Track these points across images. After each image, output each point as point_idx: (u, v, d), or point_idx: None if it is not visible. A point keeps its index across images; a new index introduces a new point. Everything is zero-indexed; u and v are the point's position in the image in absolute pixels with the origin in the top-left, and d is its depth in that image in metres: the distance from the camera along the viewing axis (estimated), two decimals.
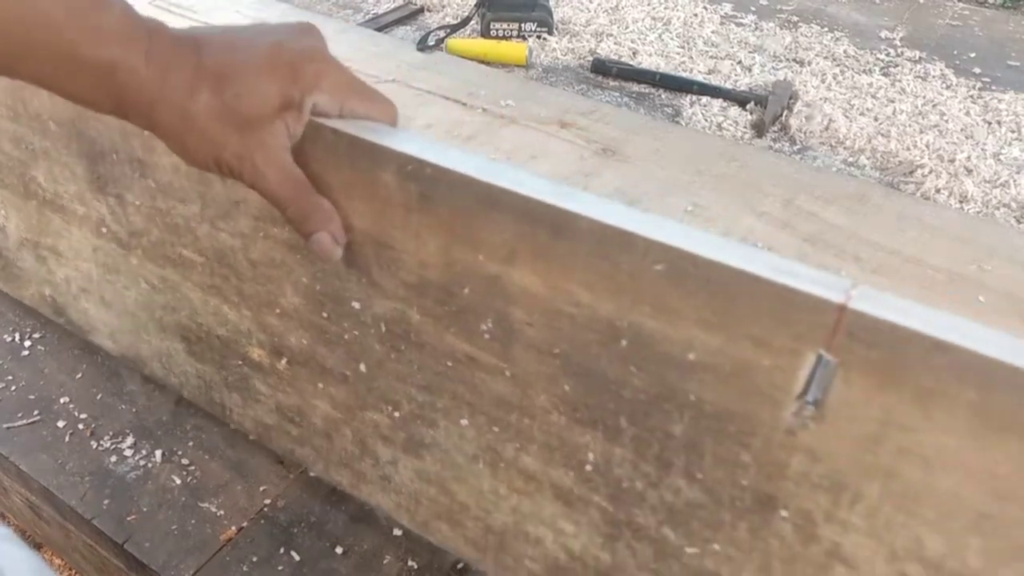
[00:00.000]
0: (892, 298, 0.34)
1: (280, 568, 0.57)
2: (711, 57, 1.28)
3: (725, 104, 1.15)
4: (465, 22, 1.30)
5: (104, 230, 0.64)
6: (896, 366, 0.33)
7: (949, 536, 0.36)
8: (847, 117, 1.12)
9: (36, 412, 0.68)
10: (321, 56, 0.44)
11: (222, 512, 0.60)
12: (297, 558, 0.57)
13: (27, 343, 0.75)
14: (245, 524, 0.59)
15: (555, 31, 1.31)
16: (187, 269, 0.59)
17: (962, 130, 1.11)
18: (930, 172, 1.01)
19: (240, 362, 0.60)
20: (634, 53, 1.26)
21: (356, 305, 0.49)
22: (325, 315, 0.51)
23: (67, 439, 0.66)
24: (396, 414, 0.52)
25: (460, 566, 0.57)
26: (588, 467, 0.45)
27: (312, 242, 0.45)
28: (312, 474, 0.63)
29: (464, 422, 0.49)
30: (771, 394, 0.37)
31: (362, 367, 0.52)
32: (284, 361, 0.57)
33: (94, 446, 0.65)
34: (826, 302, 0.34)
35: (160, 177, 0.56)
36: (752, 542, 0.41)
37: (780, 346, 0.36)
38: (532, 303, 0.42)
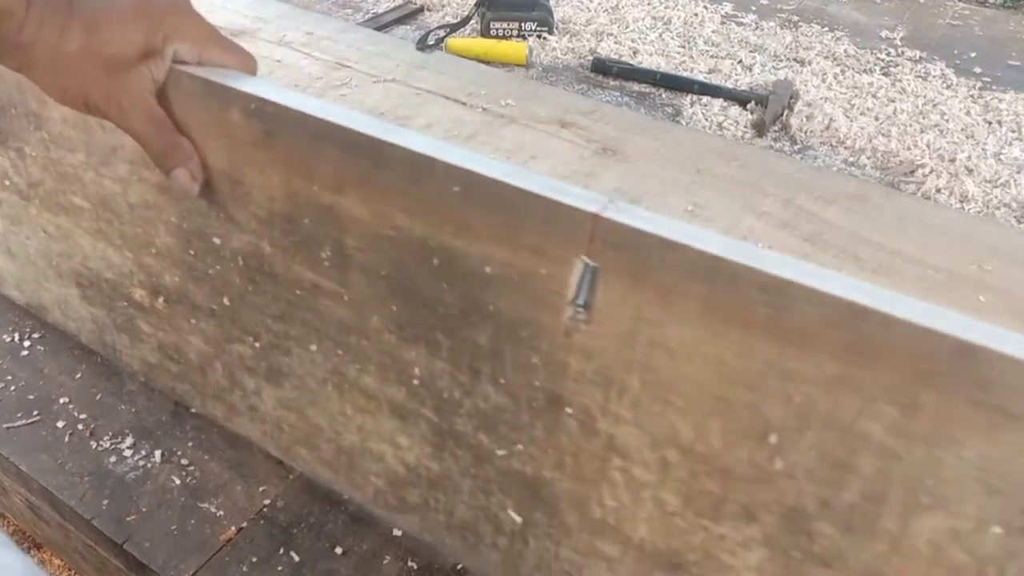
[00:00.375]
0: (637, 209, 0.39)
1: (280, 568, 0.57)
2: (712, 56, 1.29)
3: (726, 104, 1.15)
4: (465, 21, 1.32)
5: (7, 183, 0.68)
6: (641, 266, 0.38)
7: (695, 421, 0.41)
8: (848, 117, 1.12)
9: (36, 412, 0.68)
10: (183, 9, 0.49)
11: (222, 512, 0.60)
12: (297, 558, 0.58)
13: (26, 343, 0.75)
14: (245, 524, 0.60)
15: (555, 30, 1.32)
16: (77, 216, 0.63)
17: (963, 130, 1.12)
18: (931, 172, 1.01)
19: (126, 303, 0.64)
20: (634, 52, 1.28)
21: (217, 241, 0.54)
22: (192, 252, 0.56)
23: (67, 439, 0.66)
24: (257, 344, 0.57)
25: (460, 567, 0.57)
26: (416, 381, 0.50)
27: (171, 179, 0.50)
28: (306, 473, 0.63)
29: (313, 347, 0.54)
30: (550, 300, 0.42)
31: (226, 300, 0.56)
32: (161, 300, 0.61)
33: (94, 446, 0.65)
34: (583, 212, 0.39)
35: (52, 128, 0.60)
36: (547, 440, 0.46)
37: (553, 255, 0.41)
38: (360, 229, 0.47)
